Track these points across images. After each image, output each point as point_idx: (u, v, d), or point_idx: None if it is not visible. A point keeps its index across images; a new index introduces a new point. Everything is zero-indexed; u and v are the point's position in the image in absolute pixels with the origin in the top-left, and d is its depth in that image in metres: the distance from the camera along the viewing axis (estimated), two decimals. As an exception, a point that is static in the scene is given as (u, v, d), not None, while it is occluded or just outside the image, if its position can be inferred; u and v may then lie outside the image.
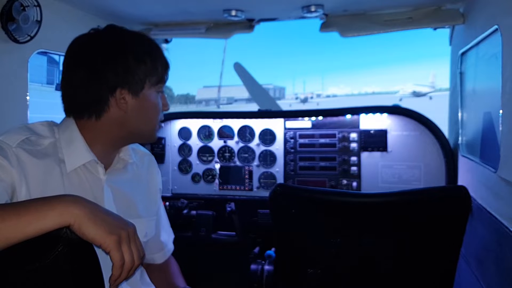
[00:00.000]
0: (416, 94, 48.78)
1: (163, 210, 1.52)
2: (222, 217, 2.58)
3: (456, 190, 1.62)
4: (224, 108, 33.38)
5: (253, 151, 2.69)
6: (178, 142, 2.79)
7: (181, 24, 2.46)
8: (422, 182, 2.41)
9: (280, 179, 2.64)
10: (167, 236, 1.52)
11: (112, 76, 1.13)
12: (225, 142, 2.73)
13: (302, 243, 1.67)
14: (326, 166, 2.58)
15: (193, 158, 2.76)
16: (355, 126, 2.55)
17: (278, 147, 2.66)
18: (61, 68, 1.24)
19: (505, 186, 1.41)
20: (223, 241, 2.61)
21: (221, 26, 2.44)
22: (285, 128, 2.66)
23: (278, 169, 2.65)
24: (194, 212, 2.60)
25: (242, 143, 2.71)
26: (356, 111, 2.54)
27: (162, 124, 2.79)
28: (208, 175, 2.74)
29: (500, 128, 1.44)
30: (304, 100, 52.88)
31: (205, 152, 2.76)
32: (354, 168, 2.53)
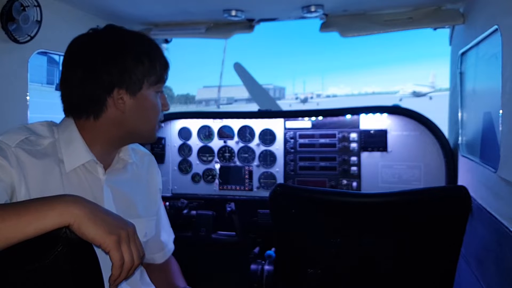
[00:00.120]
0: (416, 94, 48.79)
1: (163, 210, 1.52)
2: (222, 217, 2.58)
3: (456, 190, 1.62)
4: (224, 108, 33.38)
5: (253, 151, 2.69)
6: (178, 142, 2.79)
7: (181, 24, 2.46)
8: (422, 182, 2.41)
9: (280, 179, 2.64)
10: (167, 236, 1.52)
11: (109, 76, 1.13)
12: (225, 142, 2.73)
13: (302, 243, 1.67)
14: (326, 166, 2.58)
15: (193, 158, 2.76)
16: (355, 126, 2.55)
17: (278, 147, 2.66)
18: (61, 68, 1.24)
19: (505, 186, 1.41)
20: (223, 241, 2.61)
21: (221, 26, 2.44)
22: (285, 128, 2.66)
23: (278, 169, 2.65)
24: (194, 212, 2.60)
25: (242, 143, 2.71)
26: (356, 111, 2.54)
27: (162, 124, 2.79)
28: (208, 175, 2.74)
29: (500, 128, 1.44)
30: (304, 100, 52.89)
31: (205, 152, 2.76)
32: (354, 168, 2.53)
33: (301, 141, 2.62)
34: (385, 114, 2.50)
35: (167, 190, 2.75)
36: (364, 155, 2.52)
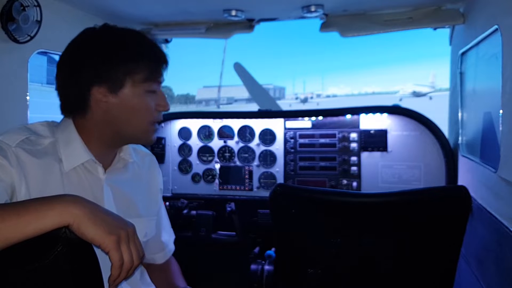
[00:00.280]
0: (416, 94, 48.79)
1: (164, 211, 1.52)
2: (222, 217, 2.58)
3: (456, 190, 1.62)
4: (224, 108, 33.37)
5: (253, 151, 2.69)
6: (178, 142, 2.79)
7: (181, 24, 2.46)
8: (422, 182, 2.40)
9: (280, 179, 2.64)
10: (168, 236, 1.52)
11: (87, 74, 1.13)
12: (225, 142, 2.73)
13: (302, 243, 1.67)
14: (326, 166, 2.58)
15: (193, 158, 2.76)
16: (355, 126, 2.55)
17: (278, 147, 2.66)
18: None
19: (505, 186, 1.41)
20: (223, 241, 2.61)
21: (221, 26, 2.44)
22: (285, 128, 2.66)
23: (278, 169, 2.65)
24: (194, 212, 2.60)
25: (242, 143, 2.71)
26: (356, 111, 2.54)
27: (162, 125, 2.79)
28: (208, 175, 2.74)
29: (500, 128, 1.44)
30: (304, 100, 52.90)
31: (205, 152, 2.76)
32: (354, 168, 2.53)
33: (301, 141, 2.62)
34: (385, 114, 2.49)
35: (167, 190, 2.74)
36: (364, 155, 2.52)
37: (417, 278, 1.60)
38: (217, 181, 2.71)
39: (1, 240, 0.78)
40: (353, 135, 2.54)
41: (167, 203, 2.53)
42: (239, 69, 4.54)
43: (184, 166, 2.77)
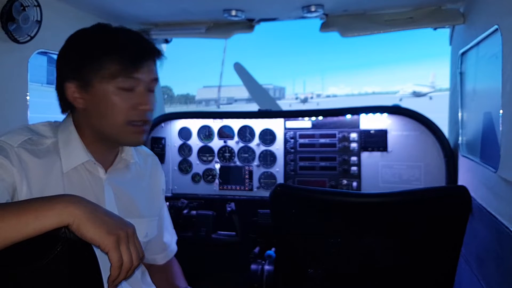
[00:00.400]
0: (416, 94, 48.79)
1: (166, 211, 1.52)
2: (222, 217, 2.58)
3: (457, 190, 1.62)
4: (224, 108, 33.36)
5: (253, 151, 2.69)
6: (178, 142, 2.79)
7: (181, 24, 2.46)
8: (422, 182, 2.40)
9: (280, 179, 2.64)
10: (170, 237, 1.52)
11: (61, 70, 1.16)
12: (225, 142, 2.73)
13: (302, 243, 1.67)
14: (326, 166, 2.58)
15: (193, 158, 2.76)
16: (355, 126, 2.54)
17: (278, 147, 2.66)
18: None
19: (505, 186, 1.41)
20: (223, 241, 2.61)
21: (221, 26, 2.44)
22: (285, 128, 2.66)
23: (278, 169, 2.65)
24: (194, 212, 2.59)
25: (242, 143, 2.71)
26: (356, 111, 2.54)
27: (162, 124, 2.79)
28: (208, 175, 2.74)
29: (500, 128, 1.44)
30: (304, 100, 52.88)
31: (205, 152, 2.76)
32: (354, 168, 2.53)
33: (301, 141, 2.62)
34: (385, 114, 2.49)
35: (167, 190, 2.74)
36: (364, 155, 2.52)
37: (417, 278, 1.60)
38: (217, 181, 2.71)
39: (0, 240, 0.78)
40: (353, 135, 2.54)
41: (167, 203, 2.53)
42: (239, 69, 4.54)
43: (184, 166, 2.77)
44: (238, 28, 2.41)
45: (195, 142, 2.77)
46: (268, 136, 2.68)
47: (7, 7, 1.58)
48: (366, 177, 2.51)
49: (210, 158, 2.74)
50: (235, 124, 2.73)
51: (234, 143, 2.72)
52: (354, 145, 2.53)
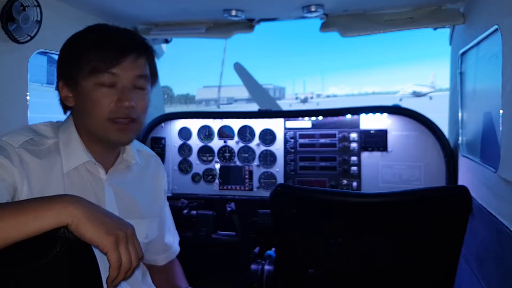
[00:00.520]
0: (416, 94, 48.77)
1: (168, 212, 1.52)
2: (222, 217, 2.58)
3: (457, 190, 1.62)
4: (224, 108, 33.35)
5: (253, 151, 2.69)
6: (178, 142, 2.79)
7: (181, 24, 2.46)
8: (422, 182, 2.40)
9: (280, 179, 2.64)
10: (172, 238, 1.52)
11: (56, 71, 1.18)
12: (225, 142, 2.73)
13: (302, 243, 1.67)
14: (326, 166, 2.58)
15: (193, 158, 2.76)
16: (355, 126, 2.54)
17: (278, 147, 2.66)
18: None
19: (506, 186, 1.41)
20: (223, 241, 2.61)
21: (221, 26, 2.44)
22: (285, 128, 2.66)
23: (278, 169, 2.65)
24: (194, 212, 2.59)
25: (242, 143, 2.71)
26: (356, 111, 2.54)
27: (163, 124, 2.79)
28: (208, 175, 2.74)
29: (500, 128, 1.43)
30: (304, 100, 52.86)
31: (205, 152, 2.75)
32: (354, 168, 2.53)
33: (301, 141, 2.62)
34: (385, 114, 2.49)
35: (167, 190, 2.74)
36: (364, 155, 2.52)
37: (417, 278, 1.60)
38: (217, 181, 2.71)
39: (0, 240, 0.78)
40: (353, 135, 2.54)
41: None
42: (239, 69, 4.54)
43: (184, 166, 2.77)
44: (238, 28, 2.41)
45: (195, 142, 2.77)
46: (268, 136, 2.68)
47: (7, 7, 1.58)
48: (366, 177, 2.51)
49: (210, 158, 2.74)
50: (235, 124, 2.73)
51: (234, 143, 2.72)
52: (354, 145, 2.53)
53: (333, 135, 2.57)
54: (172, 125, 2.80)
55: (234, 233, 2.60)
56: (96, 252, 0.87)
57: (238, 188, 2.69)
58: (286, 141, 2.64)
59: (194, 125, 2.78)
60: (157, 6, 2.15)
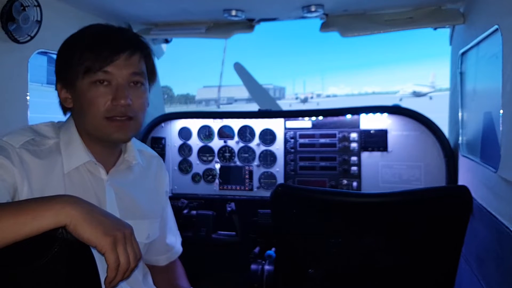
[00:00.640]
0: (416, 94, 48.75)
1: (170, 213, 1.51)
2: (222, 217, 2.58)
3: (457, 190, 1.62)
4: (224, 108, 33.33)
5: (253, 151, 2.69)
6: (178, 142, 2.79)
7: (181, 24, 2.46)
8: (422, 182, 2.40)
9: (280, 179, 2.64)
10: (175, 238, 1.52)
11: (55, 72, 1.18)
12: (225, 142, 2.73)
13: (302, 243, 1.67)
14: (326, 166, 2.58)
15: (193, 158, 2.76)
16: (355, 126, 2.54)
17: (278, 147, 2.66)
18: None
19: (506, 186, 1.41)
20: (223, 241, 2.61)
21: (221, 26, 2.44)
22: (285, 128, 2.66)
23: (278, 169, 2.65)
24: (194, 212, 2.59)
25: (242, 143, 2.71)
26: (356, 111, 2.54)
27: (163, 124, 2.79)
28: (208, 175, 2.74)
29: (501, 128, 1.43)
30: (304, 100, 52.83)
31: (205, 152, 2.75)
32: (354, 168, 2.53)
33: (301, 141, 2.62)
34: (385, 114, 2.49)
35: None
36: (365, 155, 2.52)
37: (417, 278, 1.59)
38: (217, 181, 2.71)
39: (-2, 240, 0.77)
40: (353, 135, 2.54)
41: (167, 203, 2.53)
42: (239, 69, 4.53)
43: (184, 166, 2.77)
44: (238, 28, 2.41)
45: (195, 142, 2.77)
46: (268, 136, 2.67)
47: (7, 7, 1.58)
48: (366, 177, 2.51)
49: (210, 158, 2.74)
50: (235, 124, 2.73)
51: (234, 143, 2.72)
52: (354, 145, 2.53)
53: (333, 135, 2.57)
54: (172, 125, 2.80)
55: (234, 233, 2.60)
56: (95, 253, 0.87)
57: (238, 188, 2.69)
58: (286, 141, 2.64)
59: (194, 125, 2.78)
60: (157, 6, 2.15)
